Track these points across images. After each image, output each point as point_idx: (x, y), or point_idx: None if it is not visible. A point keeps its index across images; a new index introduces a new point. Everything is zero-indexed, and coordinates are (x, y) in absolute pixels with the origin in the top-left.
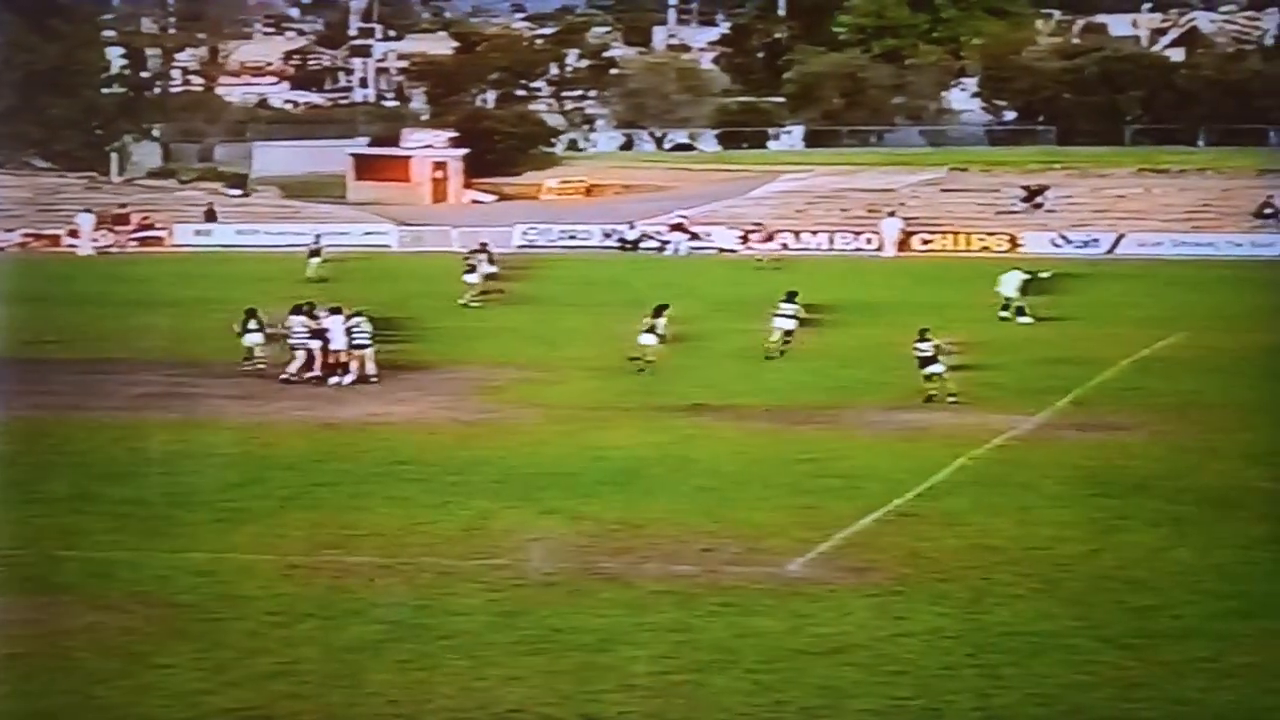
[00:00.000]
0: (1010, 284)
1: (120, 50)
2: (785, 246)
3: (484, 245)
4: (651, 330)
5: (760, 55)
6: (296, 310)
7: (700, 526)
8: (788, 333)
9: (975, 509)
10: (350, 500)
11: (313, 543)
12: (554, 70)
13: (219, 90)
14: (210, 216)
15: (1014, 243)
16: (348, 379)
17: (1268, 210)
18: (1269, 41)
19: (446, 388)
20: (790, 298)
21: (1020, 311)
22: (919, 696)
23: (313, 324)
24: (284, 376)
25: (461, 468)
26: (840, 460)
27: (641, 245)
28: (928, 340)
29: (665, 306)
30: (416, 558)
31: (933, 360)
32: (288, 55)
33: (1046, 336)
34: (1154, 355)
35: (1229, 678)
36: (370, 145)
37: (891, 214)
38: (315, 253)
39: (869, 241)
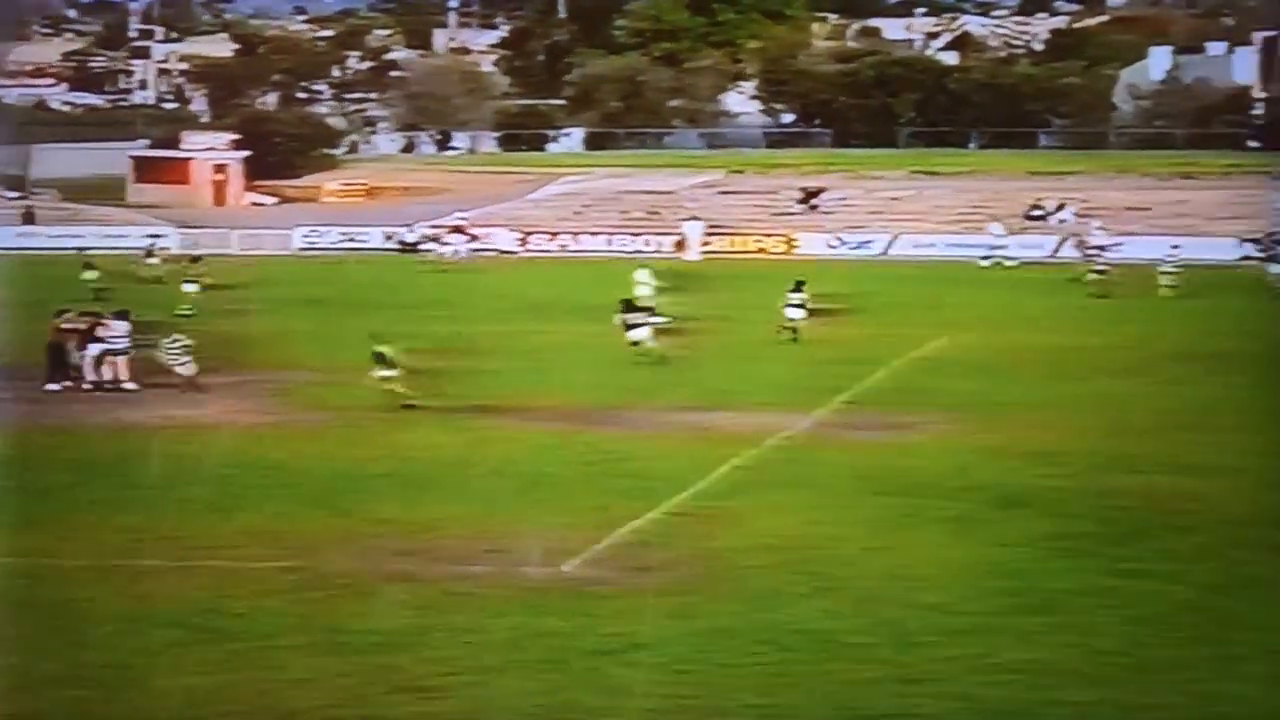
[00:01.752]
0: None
1: None
2: (564, 248)
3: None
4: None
5: (540, 58)
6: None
7: (489, 527)
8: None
9: (759, 508)
10: (139, 504)
11: (101, 547)
12: (335, 72)
13: None
14: (28, 219)
15: (791, 244)
16: (119, 384)
17: (1036, 212)
18: (1038, 46)
19: (236, 392)
20: (799, 287)
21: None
22: (704, 695)
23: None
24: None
25: (252, 471)
26: (628, 460)
27: (421, 248)
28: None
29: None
30: (207, 560)
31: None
32: (66, 56)
33: (822, 336)
34: (928, 355)
35: (1009, 672)
36: (150, 148)
37: (694, 217)
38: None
39: (647, 244)
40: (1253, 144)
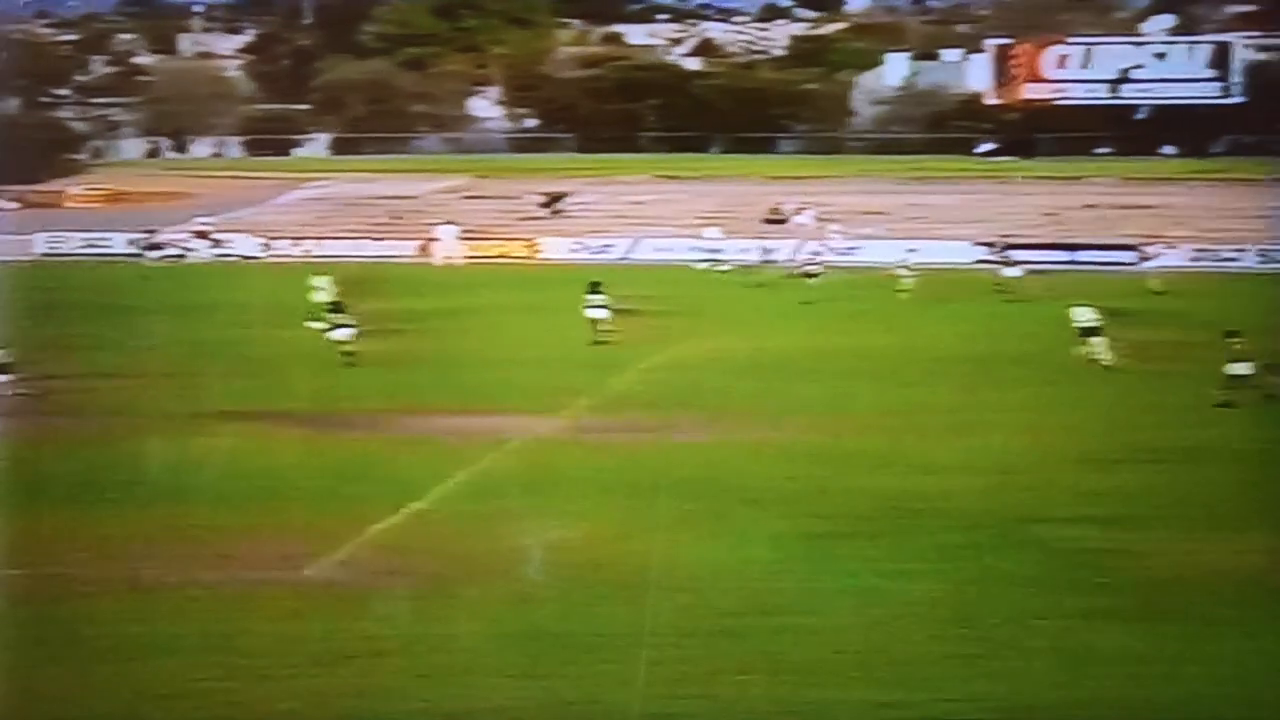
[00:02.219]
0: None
1: None
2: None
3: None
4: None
5: (286, 63)
6: None
7: (234, 531)
8: (602, 320)
9: (505, 511)
10: None
11: None
12: (79, 77)
13: None
14: None
15: (533, 248)
16: None
17: (775, 216)
18: (779, 51)
19: None
20: (595, 288)
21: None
22: (455, 697)
23: None
24: None
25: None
26: (377, 465)
27: (164, 253)
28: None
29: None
30: None
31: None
32: None
33: (570, 339)
34: (672, 359)
35: (755, 673)
36: None
37: (450, 221)
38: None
39: (392, 248)
40: (985, 148)
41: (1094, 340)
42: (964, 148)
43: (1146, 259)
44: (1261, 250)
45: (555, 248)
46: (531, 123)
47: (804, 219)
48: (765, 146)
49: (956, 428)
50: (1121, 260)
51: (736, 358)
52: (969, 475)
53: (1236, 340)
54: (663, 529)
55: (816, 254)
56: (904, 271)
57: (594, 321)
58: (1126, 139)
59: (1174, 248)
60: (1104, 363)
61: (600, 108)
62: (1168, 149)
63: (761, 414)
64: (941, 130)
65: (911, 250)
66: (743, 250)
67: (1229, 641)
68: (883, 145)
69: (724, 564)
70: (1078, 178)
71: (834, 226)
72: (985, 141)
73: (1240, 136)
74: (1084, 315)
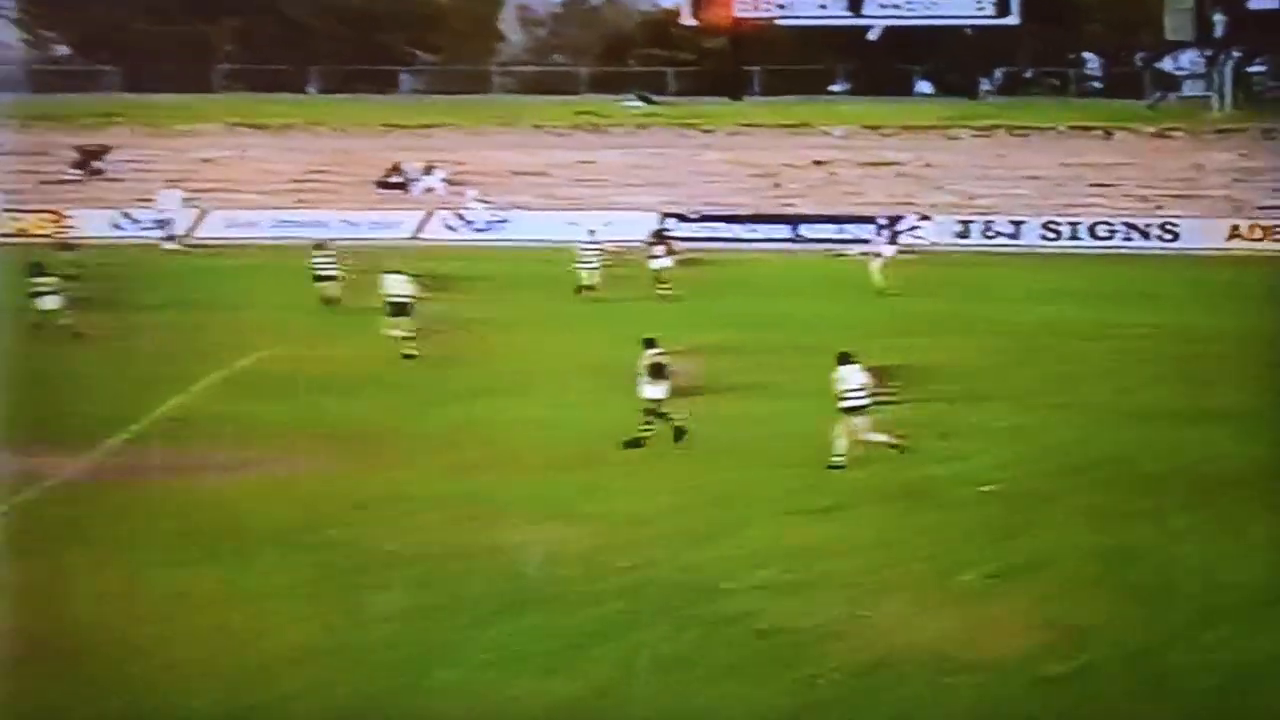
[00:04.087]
0: None
1: None
2: None
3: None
4: None
5: None
6: None
7: None
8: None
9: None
10: None
11: None
12: None
13: None
14: None
15: (60, 221)
16: None
17: (395, 178)
18: None
19: None
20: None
21: None
22: None
23: None
24: None
25: None
26: None
27: None
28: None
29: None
30: None
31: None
32: None
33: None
34: (234, 375)
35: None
36: None
37: None
38: None
39: None
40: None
41: (401, 320)
42: (654, 85)
43: (892, 237)
44: (1047, 223)
45: (92, 222)
46: (62, 51)
47: (432, 181)
48: (382, 84)
49: None
50: (858, 236)
51: (312, 369)
52: None
53: (657, 352)
54: (240, 601)
55: (452, 228)
56: (585, 255)
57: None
58: (870, 74)
59: (928, 219)
60: (407, 352)
61: (158, 31)
62: (924, 86)
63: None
64: (621, 62)
65: (594, 230)
66: (349, 226)
67: None
68: (541, 82)
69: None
70: (803, 126)
71: (473, 192)
72: (681, 77)
73: (1017, 69)
74: (395, 286)
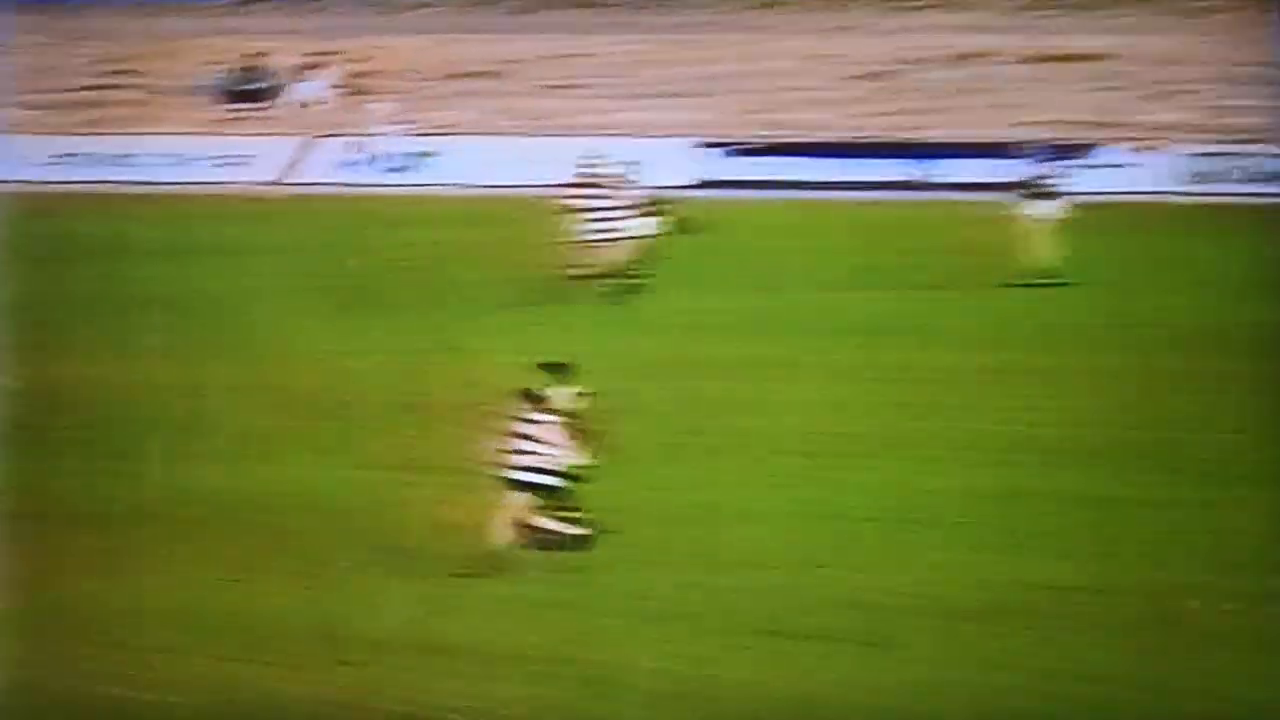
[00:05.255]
0: None
1: None
2: None
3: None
4: None
5: None
6: None
7: None
8: None
9: None
10: None
11: None
12: None
13: None
14: None
15: None
16: None
17: (252, 82)
18: None
19: None
20: None
21: None
22: None
23: None
24: None
25: None
26: None
27: None
28: None
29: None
30: None
31: None
32: None
33: None
34: None
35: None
36: None
37: None
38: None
39: None
40: None
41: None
42: None
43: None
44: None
45: None
46: None
47: (315, 88)
48: None
49: None
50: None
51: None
52: None
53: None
54: None
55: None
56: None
57: None
58: None
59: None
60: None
61: None
62: None
63: None
64: None
65: (633, 162)
66: (171, 163)
67: None
68: None
69: None
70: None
71: (384, 107)
72: None
73: None
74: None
